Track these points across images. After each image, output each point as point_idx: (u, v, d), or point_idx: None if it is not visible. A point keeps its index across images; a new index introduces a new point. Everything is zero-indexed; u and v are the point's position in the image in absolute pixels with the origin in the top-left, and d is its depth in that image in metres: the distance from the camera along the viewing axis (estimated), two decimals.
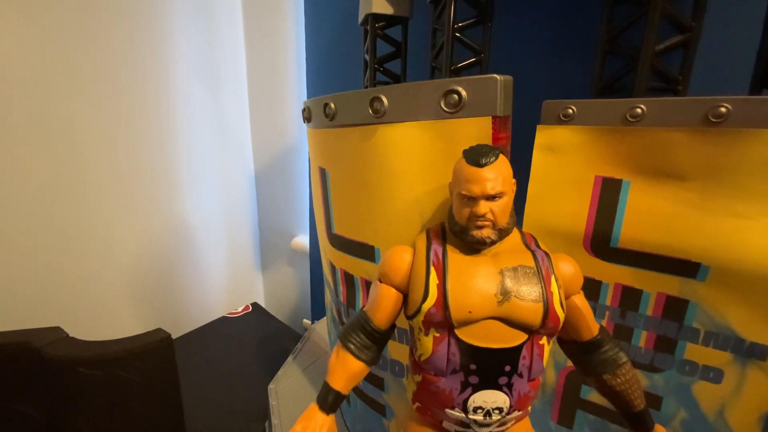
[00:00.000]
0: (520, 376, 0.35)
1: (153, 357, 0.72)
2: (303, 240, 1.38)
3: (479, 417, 0.35)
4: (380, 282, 0.39)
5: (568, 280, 0.37)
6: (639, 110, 0.41)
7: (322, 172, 0.58)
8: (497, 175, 0.34)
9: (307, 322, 1.46)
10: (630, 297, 0.47)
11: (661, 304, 0.46)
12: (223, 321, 1.39)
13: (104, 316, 1.12)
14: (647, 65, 0.48)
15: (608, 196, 0.45)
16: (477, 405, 0.35)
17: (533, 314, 0.34)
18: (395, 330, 0.42)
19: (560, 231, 0.48)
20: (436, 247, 0.37)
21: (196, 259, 1.33)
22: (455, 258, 0.36)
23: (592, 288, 0.48)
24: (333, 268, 0.63)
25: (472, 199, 0.35)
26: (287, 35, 1.20)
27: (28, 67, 0.89)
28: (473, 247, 0.36)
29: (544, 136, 0.46)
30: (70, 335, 0.73)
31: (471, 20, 0.62)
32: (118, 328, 1.13)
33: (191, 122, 1.21)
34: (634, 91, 0.49)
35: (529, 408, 0.39)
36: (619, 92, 0.53)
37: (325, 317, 0.98)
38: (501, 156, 0.35)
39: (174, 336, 0.76)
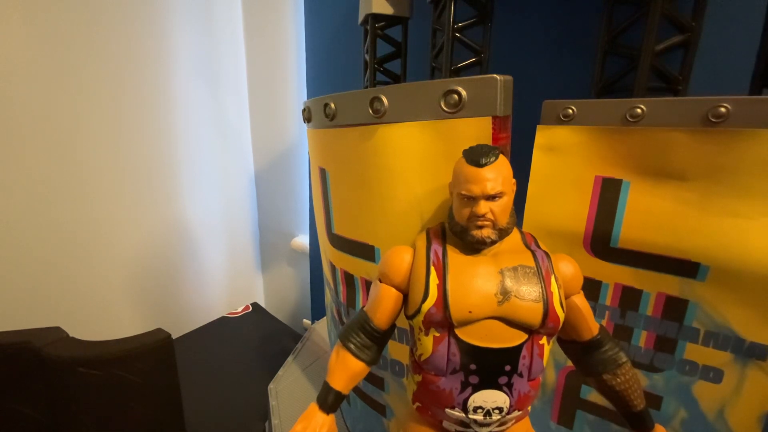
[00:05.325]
0: (520, 375, 0.35)
1: (153, 357, 0.72)
2: (303, 240, 1.38)
3: (479, 417, 0.35)
4: (380, 282, 0.39)
5: (568, 280, 0.37)
6: (639, 110, 0.41)
7: (322, 172, 0.58)
8: (497, 175, 0.34)
9: (307, 322, 1.46)
10: (630, 297, 0.47)
11: (661, 304, 0.46)
12: (223, 321, 1.39)
13: (104, 316, 1.12)
14: (647, 65, 0.48)
15: (608, 196, 0.45)
16: (477, 405, 0.35)
17: (533, 314, 0.34)
18: (395, 330, 0.42)
19: (560, 231, 0.48)
20: (436, 247, 0.37)
21: (196, 259, 1.33)
22: (455, 258, 0.36)
23: (592, 288, 0.48)
24: (333, 268, 0.63)
25: (472, 199, 0.35)
26: (287, 35, 1.20)
27: (28, 67, 0.89)
28: (473, 247, 0.36)
29: (544, 136, 0.46)
30: (70, 335, 0.73)
31: (471, 20, 0.62)
32: (118, 328, 1.13)
33: (191, 122, 1.21)
34: (634, 91, 0.49)
35: (529, 408, 0.39)
36: (619, 92, 0.53)
37: (325, 317, 0.98)
38: (501, 156, 0.35)
39: (174, 336, 0.76)
